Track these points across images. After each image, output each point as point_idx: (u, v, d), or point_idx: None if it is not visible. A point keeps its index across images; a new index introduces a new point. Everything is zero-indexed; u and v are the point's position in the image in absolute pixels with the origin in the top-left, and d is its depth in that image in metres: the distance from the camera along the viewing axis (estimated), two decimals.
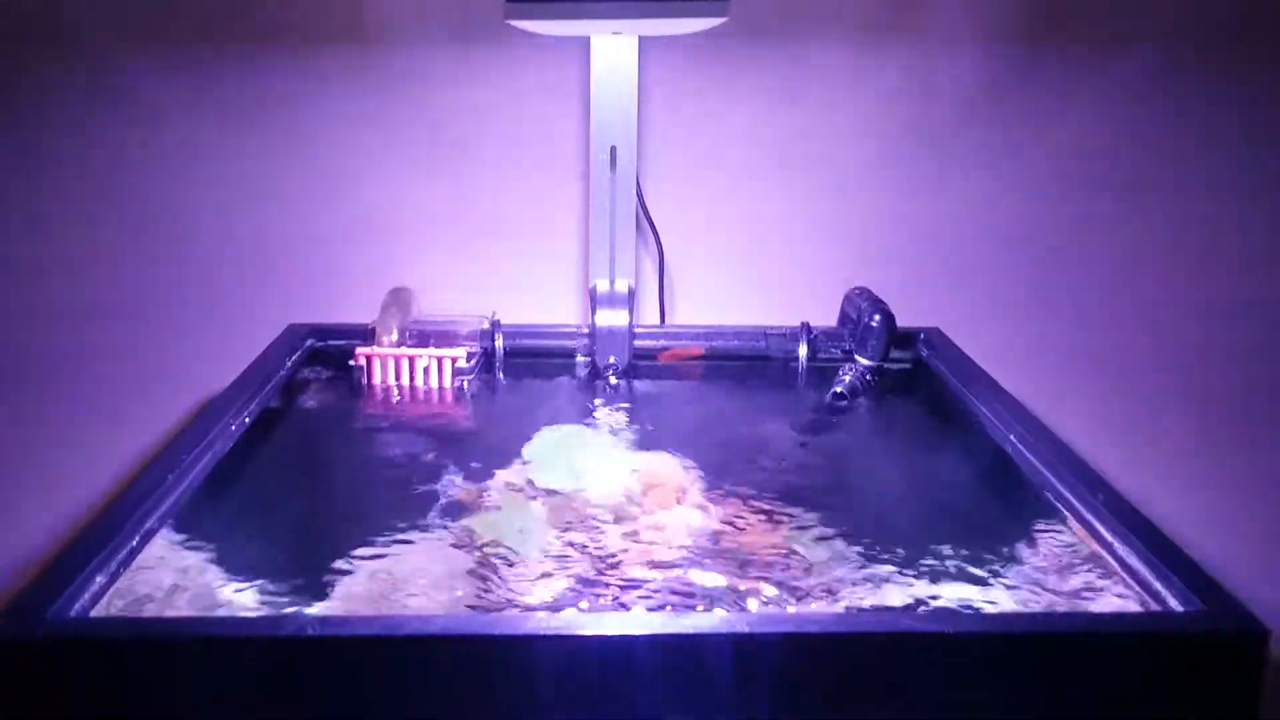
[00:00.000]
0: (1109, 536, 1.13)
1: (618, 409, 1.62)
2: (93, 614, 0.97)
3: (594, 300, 1.76)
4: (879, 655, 0.91)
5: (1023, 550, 1.17)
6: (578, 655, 0.90)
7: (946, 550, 1.16)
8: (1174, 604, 0.98)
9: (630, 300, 1.76)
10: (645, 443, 1.48)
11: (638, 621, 0.92)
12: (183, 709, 0.90)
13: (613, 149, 1.71)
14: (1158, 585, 1.02)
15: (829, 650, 0.90)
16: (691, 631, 0.90)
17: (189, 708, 0.90)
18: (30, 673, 0.88)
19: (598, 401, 1.66)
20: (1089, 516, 1.18)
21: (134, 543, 1.09)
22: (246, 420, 1.46)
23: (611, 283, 1.76)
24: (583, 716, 0.89)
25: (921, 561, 1.14)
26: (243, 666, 0.89)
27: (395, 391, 1.69)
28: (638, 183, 1.77)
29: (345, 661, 0.89)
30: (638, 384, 1.75)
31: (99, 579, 1.01)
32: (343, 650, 0.88)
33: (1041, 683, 0.91)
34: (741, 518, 1.26)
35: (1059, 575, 1.11)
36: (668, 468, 1.41)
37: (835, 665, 0.90)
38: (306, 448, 1.53)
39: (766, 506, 1.28)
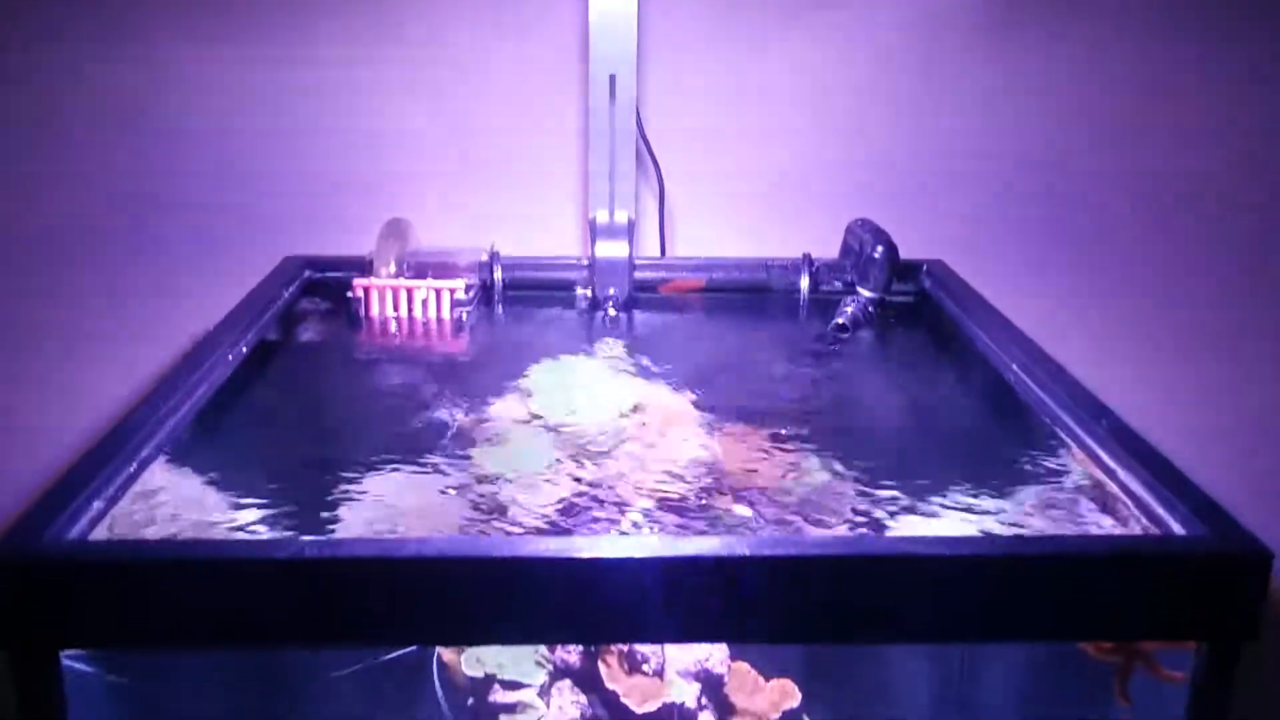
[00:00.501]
0: (1111, 463, 1.12)
1: (618, 341, 1.61)
2: (90, 538, 0.96)
3: (593, 232, 1.74)
4: (879, 578, 0.90)
5: (1025, 476, 1.16)
6: (577, 578, 0.89)
7: (947, 476, 1.15)
8: (1177, 528, 0.98)
9: (630, 232, 1.74)
10: (645, 373, 1.47)
11: (637, 545, 0.91)
12: (181, 631, 0.89)
13: (612, 78, 1.68)
14: (1161, 510, 1.01)
15: (829, 572, 0.90)
16: (691, 554, 0.90)
17: (187, 630, 0.89)
18: (28, 595, 0.87)
19: (597, 333, 1.65)
20: (1091, 443, 1.17)
21: (131, 469, 1.08)
22: (244, 350, 1.45)
23: (611, 214, 1.74)
24: (582, 639, 0.89)
25: (922, 487, 1.13)
26: (241, 589, 0.88)
27: (393, 323, 1.68)
28: (637, 113, 1.74)
29: (344, 583, 0.88)
30: (638, 316, 1.74)
31: (96, 504, 1.00)
32: (341, 572, 0.88)
33: (1044, 606, 0.91)
34: (742, 445, 1.25)
35: (1061, 501, 1.10)
36: (668, 398, 1.40)
37: (835, 588, 0.90)
38: (305, 378, 1.52)
39: (766, 434, 1.28)
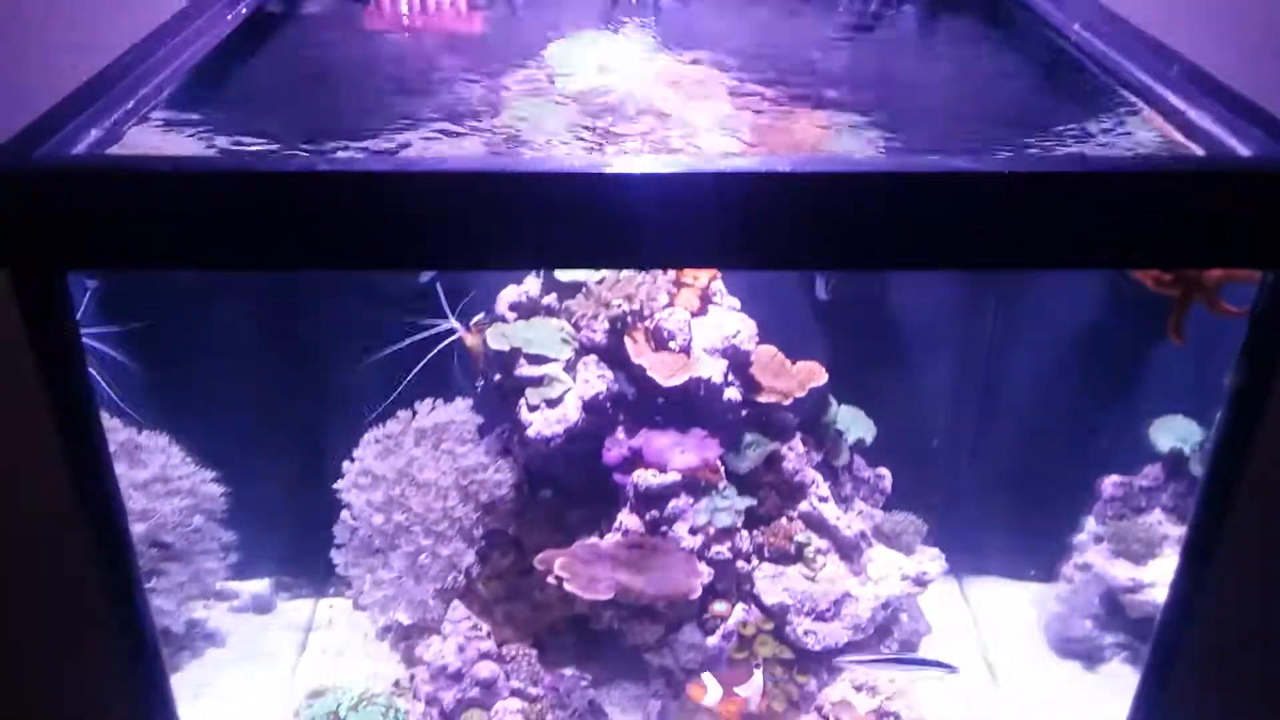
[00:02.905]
0: (1182, 104, 1.03)
1: (644, 17, 1.50)
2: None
3: None
4: (935, 197, 0.85)
5: (1086, 122, 1.08)
6: (595, 193, 0.84)
7: (1006, 134, 1.07)
8: (1249, 153, 0.91)
9: None
10: (672, 45, 1.37)
11: (662, 163, 0.85)
12: (186, 252, 0.86)
13: None
14: (1234, 140, 0.94)
15: (873, 189, 0.84)
16: (713, 170, 0.84)
17: (192, 250, 0.86)
18: (27, 211, 0.83)
19: (623, 11, 1.53)
20: (1161, 89, 1.08)
21: (129, 105, 1.02)
22: (243, 11, 1.35)
23: None
24: (599, 255, 0.85)
25: (970, 144, 1.05)
26: (252, 205, 0.84)
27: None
28: None
29: (354, 200, 0.83)
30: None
31: (94, 132, 0.94)
32: (352, 188, 0.83)
33: (1113, 230, 0.85)
34: (773, 110, 1.17)
35: (1126, 140, 1.03)
36: (696, 68, 1.31)
37: (887, 205, 0.85)
38: (312, 44, 1.43)
39: (799, 102, 1.19)
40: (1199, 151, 0.96)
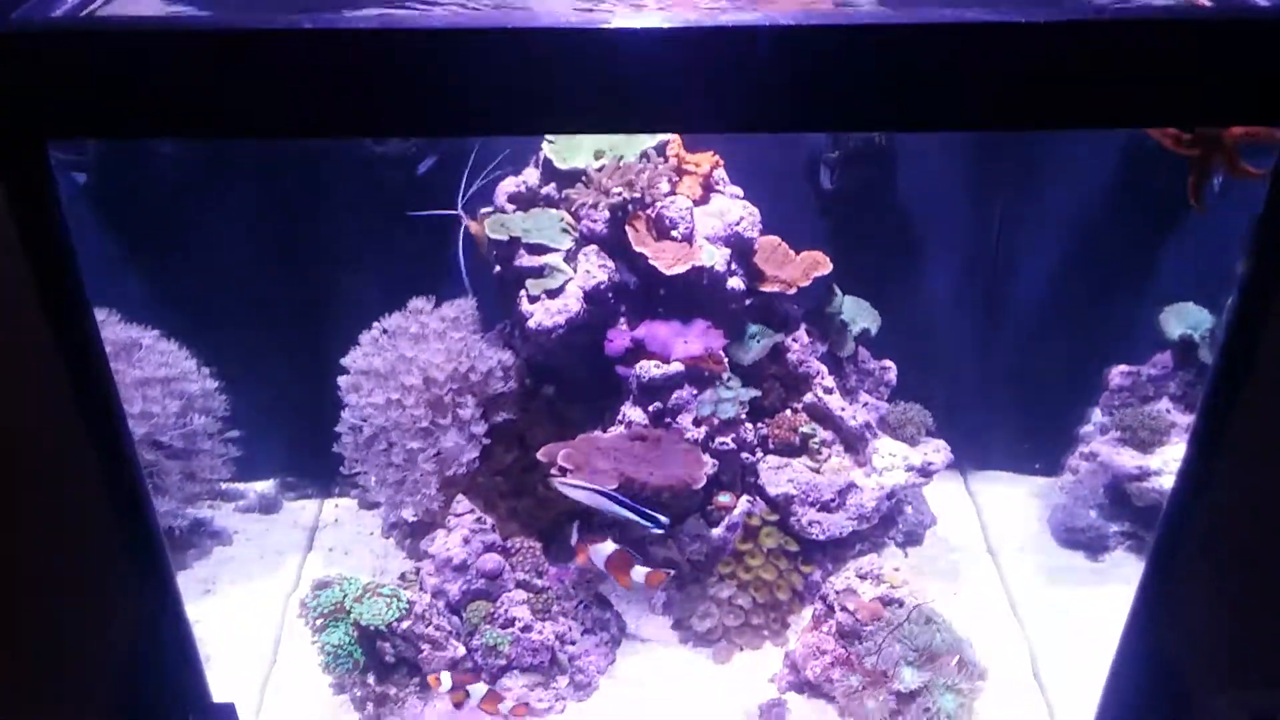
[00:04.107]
0: None
1: None
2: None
3: None
4: (941, 49, 0.81)
5: None
6: (597, 53, 0.81)
7: None
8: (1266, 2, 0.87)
9: None
10: None
11: (662, 19, 0.82)
12: (170, 118, 0.83)
13: None
14: None
15: (885, 43, 0.81)
16: (724, 25, 0.81)
17: (177, 117, 0.83)
18: (4, 69, 0.80)
19: None
20: None
21: None
22: None
23: None
24: (599, 116, 0.82)
25: None
26: (239, 67, 0.81)
27: None
28: None
29: (345, 63, 0.80)
30: None
31: None
32: (341, 45, 0.80)
33: (1134, 86, 0.82)
34: None
35: None
36: None
37: (899, 60, 0.81)
38: None
39: None
40: (1217, 3, 0.93)
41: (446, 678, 1.48)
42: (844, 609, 1.54)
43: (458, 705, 1.49)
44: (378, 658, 1.51)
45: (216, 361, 1.79)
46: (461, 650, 1.53)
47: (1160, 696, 1.20)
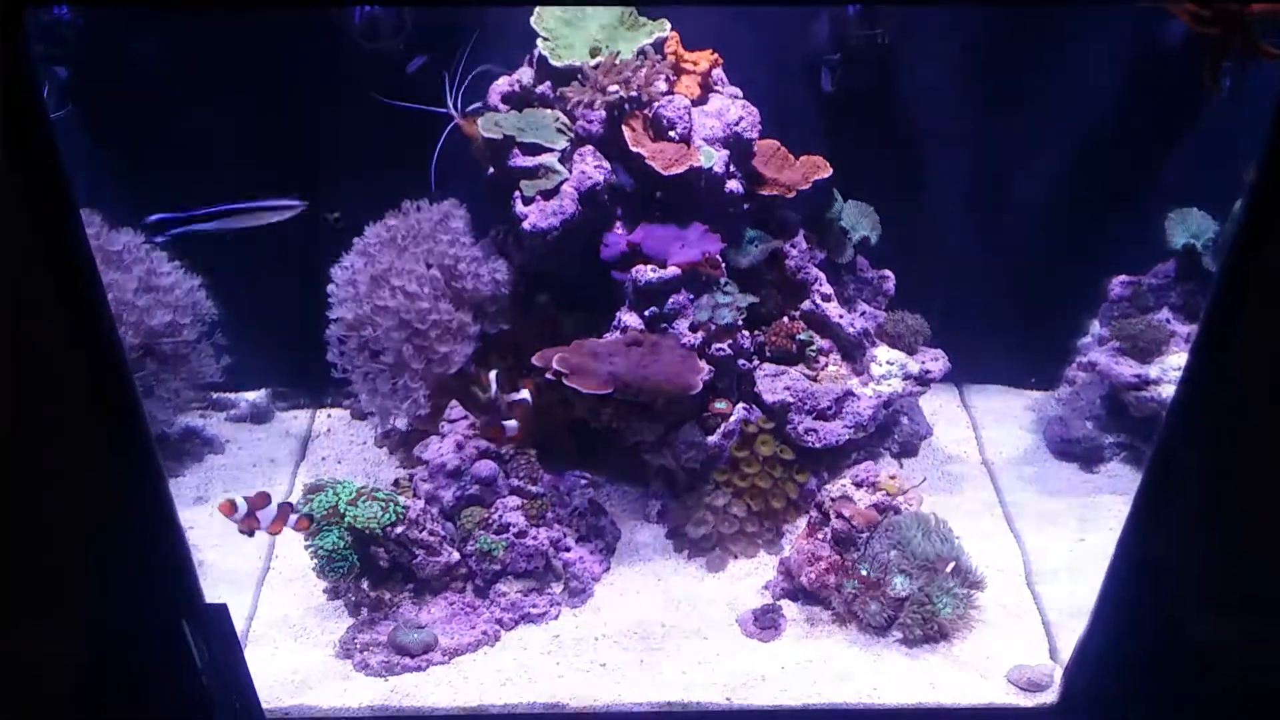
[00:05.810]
0: None
1: None
2: None
3: None
4: None
5: None
6: None
7: None
8: None
9: None
10: None
11: None
12: None
13: None
14: None
15: None
16: None
17: None
18: None
19: None
20: None
21: None
22: None
23: None
24: None
25: None
26: None
27: None
28: None
29: None
30: None
31: None
32: None
33: None
34: None
35: None
36: None
37: None
38: None
39: None
40: None
41: (241, 501, 1.40)
42: (840, 516, 1.53)
43: (248, 533, 1.41)
44: (372, 562, 1.50)
45: (204, 271, 1.76)
46: (456, 556, 1.53)
47: (1152, 608, 1.20)
